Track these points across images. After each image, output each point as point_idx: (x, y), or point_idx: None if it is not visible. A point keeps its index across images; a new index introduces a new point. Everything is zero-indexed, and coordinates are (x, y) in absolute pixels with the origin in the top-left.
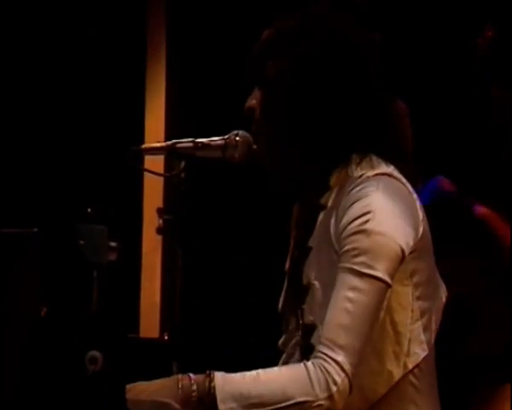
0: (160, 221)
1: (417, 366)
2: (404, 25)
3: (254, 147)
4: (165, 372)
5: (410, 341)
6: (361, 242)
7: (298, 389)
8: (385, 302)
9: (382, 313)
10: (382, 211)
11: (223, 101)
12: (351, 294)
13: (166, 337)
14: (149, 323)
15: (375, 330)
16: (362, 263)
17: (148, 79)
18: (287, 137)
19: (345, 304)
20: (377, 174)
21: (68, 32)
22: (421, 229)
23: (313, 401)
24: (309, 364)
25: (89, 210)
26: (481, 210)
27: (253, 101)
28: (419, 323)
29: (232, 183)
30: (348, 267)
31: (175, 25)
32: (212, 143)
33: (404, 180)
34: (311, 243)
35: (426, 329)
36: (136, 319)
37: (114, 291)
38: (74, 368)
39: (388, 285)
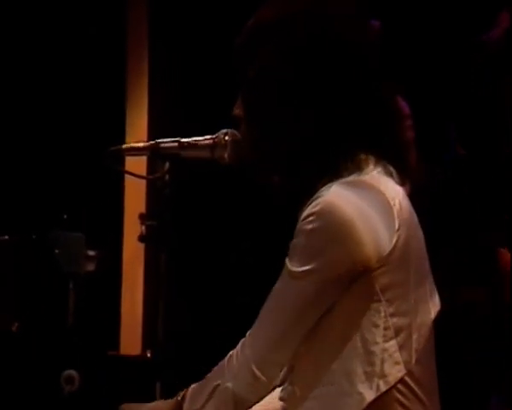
0: (143, 228)
1: (403, 383)
2: (405, 21)
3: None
4: (148, 393)
5: (383, 361)
6: (302, 241)
7: (215, 372)
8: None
9: (314, 311)
10: (334, 211)
11: (210, 97)
12: (277, 285)
13: (149, 354)
14: (131, 338)
15: (345, 349)
16: (292, 261)
17: (129, 73)
18: (272, 138)
19: (267, 300)
20: (346, 182)
21: (47, 32)
22: (394, 239)
23: (222, 384)
24: (232, 352)
25: (65, 216)
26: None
27: (239, 110)
28: (393, 342)
29: (221, 185)
30: (289, 269)
31: (157, 21)
32: (200, 142)
33: (382, 187)
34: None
35: (403, 347)
36: (116, 334)
37: (93, 304)
38: (49, 388)
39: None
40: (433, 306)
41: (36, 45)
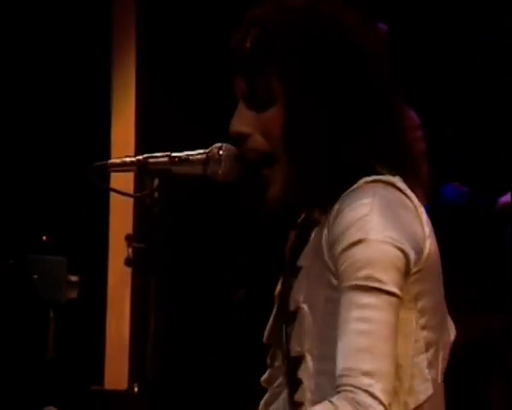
0: (130, 250)
1: (419, 407)
2: (403, 21)
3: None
4: None
5: (412, 376)
6: (361, 253)
7: None
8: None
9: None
10: (380, 216)
11: (203, 109)
12: (362, 313)
13: (136, 389)
14: (116, 372)
15: None
16: (367, 277)
17: (115, 82)
18: (321, 161)
19: (358, 326)
20: (375, 180)
21: (29, 36)
22: (427, 245)
23: None
24: (336, 400)
25: (44, 238)
26: (503, 200)
27: (244, 127)
28: (423, 356)
29: (214, 203)
30: (353, 285)
31: (144, 29)
32: (192, 157)
33: (408, 192)
34: (301, 262)
35: (431, 365)
36: (100, 367)
37: (75, 334)
38: None
39: (398, 297)
40: (451, 327)
41: (14, 50)
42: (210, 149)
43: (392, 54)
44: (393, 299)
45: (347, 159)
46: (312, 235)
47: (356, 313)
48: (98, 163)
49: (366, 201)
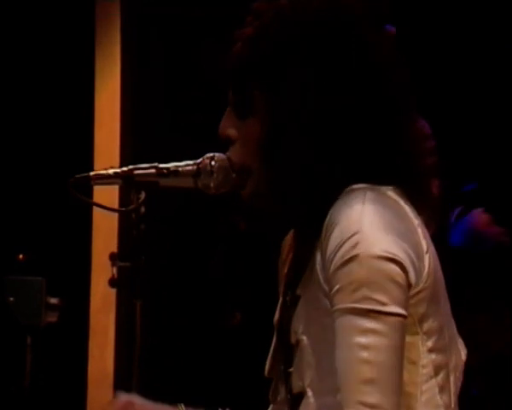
0: (114, 270)
1: None
2: (416, 26)
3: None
4: None
5: (423, 404)
6: (355, 272)
7: None
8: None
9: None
10: (373, 227)
11: (193, 116)
12: (363, 339)
13: None
14: (99, 403)
15: None
16: (364, 298)
17: (98, 87)
18: (293, 170)
19: (360, 354)
20: (363, 188)
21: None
22: (426, 261)
23: None
24: None
25: (20, 257)
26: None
27: (231, 130)
28: (433, 381)
29: (206, 219)
30: (349, 308)
31: (130, 31)
32: (181, 169)
33: (402, 203)
34: (300, 289)
35: (443, 390)
36: (82, 398)
37: (54, 362)
38: None
39: (404, 317)
40: (462, 347)
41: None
42: (201, 159)
43: (401, 57)
44: (397, 320)
45: (333, 172)
46: (309, 257)
47: (357, 340)
48: (80, 175)
49: (355, 212)
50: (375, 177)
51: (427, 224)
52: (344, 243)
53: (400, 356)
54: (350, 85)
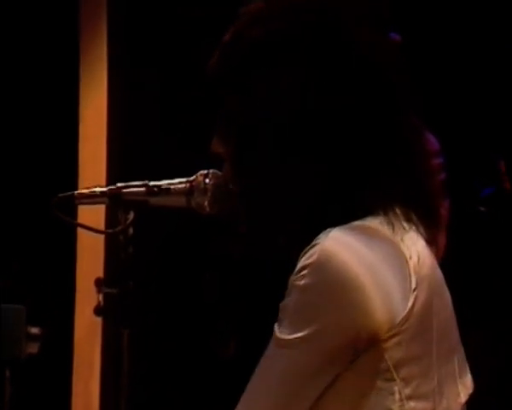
0: (100, 297)
1: None
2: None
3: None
4: None
5: None
6: (288, 302)
7: None
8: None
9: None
10: (333, 262)
11: (185, 131)
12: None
13: None
14: None
15: None
16: (281, 327)
17: (83, 100)
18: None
19: (254, 376)
20: (341, 228)
21: None
22: (410, 301)
23: None
24: None
25: None
26: None
27: (221, 147)
28: None
29: (199, 241)
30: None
31: (116, 39)
32: (173, 187)
33: (395, 235)
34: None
35: None
36: None
37: (35, 397)
38: None
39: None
40: (464, 388)
41: None
42: (194, 177)
43: (407, 67)
44: (291, 352)
45: (335, 186)
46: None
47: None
48: (63, 194)
49: (321, 241)
50: (373, 199)
51: (433, 245)
52: (296, 273)
53: (286, 390)
54: (354, 93)
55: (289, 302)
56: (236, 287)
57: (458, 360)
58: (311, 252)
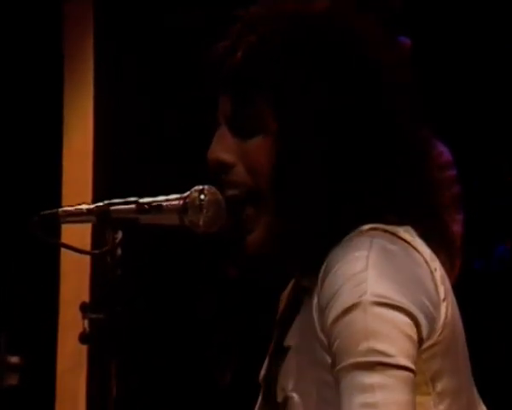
0: (85, 323)
1: None
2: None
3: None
4: None
5: None
6: (357, 322)
7: None
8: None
9: None
10: (379, 272)
11: (176, 143)
12: (367, 397)
13: None
14: None
15: None
16: (369, 351)
17: (67, 109)
18: (324, 205)
19: None
20: (372, 228)
21: None
22: (443, 310)
23: None
24: None
25: None
26: None
27: (227, 155)
28: None
29: (191, 262)
30: (352, 363)
31: (103, 45)
32: (165, 204)
33: (417, 244)
34: (290, 340)
35: None
36: None
37: None
38: None
39: (412, 372)
40: None
41: None
42: (188, 193)
43: (419, 74)
44: (405, 374)
45: (348, 209)
46: (303, 305)
47: (359, 399)
48: (45, 212)
49: (360, 254)
50: (390, 214)
51: (446, 265)
52: (344, 288)
53: None
54: (372, 106)
55: (360, 322)
56: (232, 309)
57: (475, 387)
58: (356, 263)
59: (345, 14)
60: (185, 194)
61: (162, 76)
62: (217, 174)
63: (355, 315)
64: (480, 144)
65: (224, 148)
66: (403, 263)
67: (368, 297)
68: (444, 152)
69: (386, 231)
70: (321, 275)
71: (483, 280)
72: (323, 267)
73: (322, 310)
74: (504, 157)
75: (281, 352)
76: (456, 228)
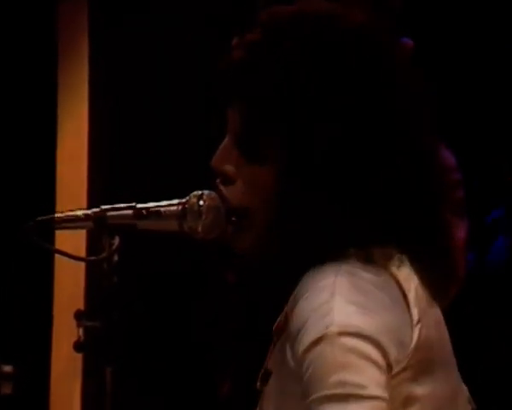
0: (80, 331)
1: None
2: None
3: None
4: None
5: None
6: (326, 354)
7: None
8: None
9: None
10: (344, 301)
11: (174, 148)
12: None
13: None
14: None
15: None
16: (341, 383)
17: (62, 114)
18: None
19: None
20: (347, 252)
21: None
22: (416, 333)
23: None
24: None
25: None
26: None
27: (230, 168)
28: None
29: (189, 267)
30: (325, 395)
31: (97, 46)
32: (164, 209)
33: (395, 270)
34: (271, 364)
35: None
36: None
37: None
38: None
39: (385, 401)
40: None
41: None
42: (187, 198)
43: (423, 76)
44: (379, 404)
45: (339, 235)
46: (281, 327)
47: None
48: (40, 218)
49: (327, 281)
50: (376, 235)
51: (442, 281)
52: (312, 322)
53: None
54: (380, 136)
55: (328, 355)
56: (231, 314)
57: (462, 402)
58: (322, 294)
59: (368, 28)
60: (184, 199)
61: (157, 78)
62: (215, 181)
63: (323, 348)
64: (480, 144)
65: (229, 161)
66: (370, 288)
67: (334, 329)
68: (448, 157)
69: (359, 255)
70: (292, 298)
71: (483, 280)
72: (295, 292)
73: (293, 339)
74: (504, 157)
75: (264, 375)
76: (460, 234)
